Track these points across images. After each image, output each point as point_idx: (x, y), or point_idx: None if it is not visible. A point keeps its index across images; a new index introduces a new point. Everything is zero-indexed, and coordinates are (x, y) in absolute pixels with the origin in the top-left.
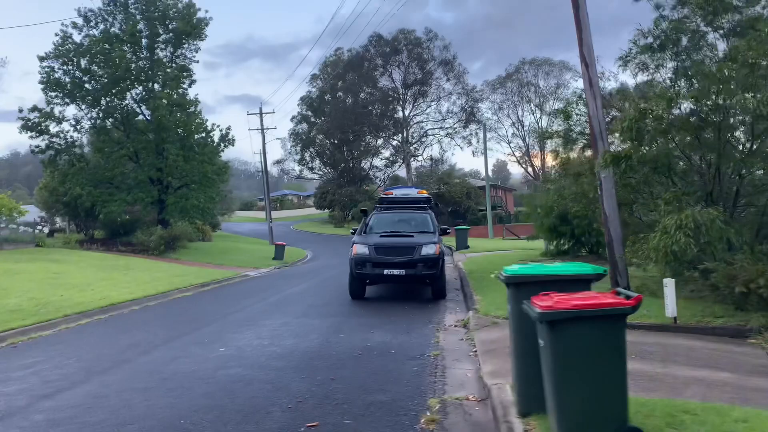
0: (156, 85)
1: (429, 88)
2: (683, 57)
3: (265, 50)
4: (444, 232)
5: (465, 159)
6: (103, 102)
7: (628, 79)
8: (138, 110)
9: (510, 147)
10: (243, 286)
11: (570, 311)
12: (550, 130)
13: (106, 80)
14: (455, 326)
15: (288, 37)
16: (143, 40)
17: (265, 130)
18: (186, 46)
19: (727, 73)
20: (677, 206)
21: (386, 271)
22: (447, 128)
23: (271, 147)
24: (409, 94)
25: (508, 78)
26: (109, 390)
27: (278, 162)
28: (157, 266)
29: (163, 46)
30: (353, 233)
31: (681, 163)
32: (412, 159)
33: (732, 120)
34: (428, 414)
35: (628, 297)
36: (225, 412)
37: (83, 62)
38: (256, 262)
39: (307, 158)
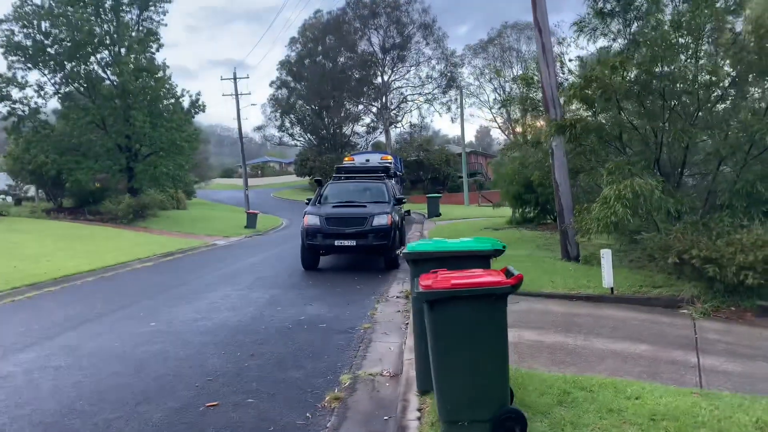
0: (123, 50)
1: (408, 53)
2: (632, 23)
3: (248, 13)
4: (399, 202)
5: (449, 126)
6: (67, 67)
7: (591, 46)
8: (104, 75)
9: (492, 113)
10: (204, 257)
11: (447, 291)
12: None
13: (69, 44)
14: (397, 297)
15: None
16: (107, 2)
17: (239, 96)
18: (153, 8)
19: (671, 40)
20: (620, 176)
21: (337, 242)
22: (426, 94)
23: (252, 113)
24: (388, 58)
25: (489, 42)
26: (19, 369)
27: (259, 128)
28: (122, 235)
29: (127, 9)
30: (308, 203)
31: (624, 132)
32: (392, 126)
33: (677, 87)
34: (335, 391)
35: (510, 275)
36: (128, 392)
37: (45, 25)
38: (228, 231)
39: (288, 125)
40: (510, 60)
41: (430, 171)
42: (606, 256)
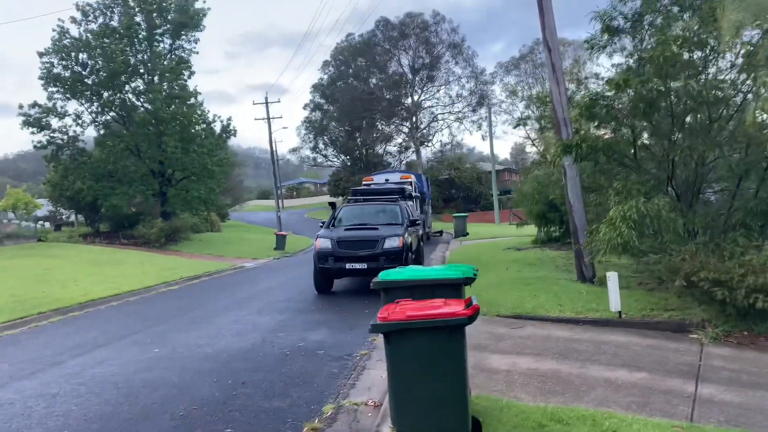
0: (156, 78)
1: (438, 73)
2: (643, 40)
3: (284, 38)
4: (414, 223)
5: (483, 143)
6: (104, 96)
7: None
8: (138, 103)
9: (525, 130)
10: (228, 280)
11: (402, 322)
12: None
13: (105, 74)
14: None
15: (307, 24)
16: (141, 33)
17: (271, 120)
18: (184, 37)
19: (673, 55)
20: (627, 196)
21: (348, 265)
22: (456, 112)
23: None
24: (417, 78)
25: (521, 59)
26: (19, 396)
27: (294, 150)
28: (153, 259)
29: (160, 39)
30: (321, 226)
31: (634, 151)
32: (423, 145)
33: (686, 104)
34: (315, 422)
35: (468, 305)
36: (114, 420)
37: (82, 57)
38: (257, 253)
39: (321, 146)
40: (542, 76)
41: (461, 189)
42: (612, 278)
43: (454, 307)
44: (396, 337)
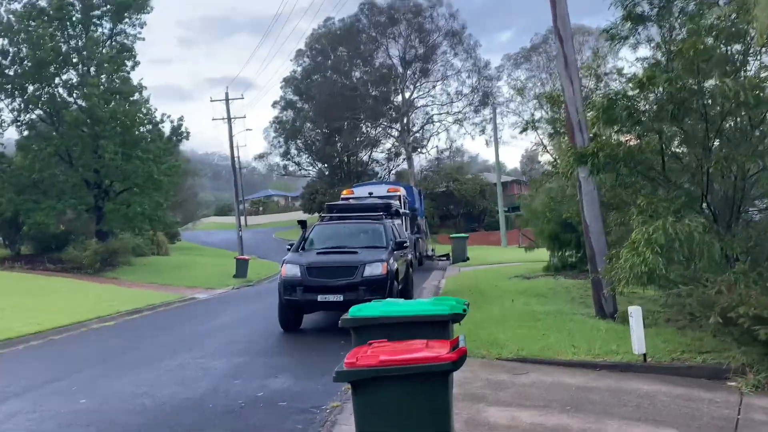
0: (92, 69)
1: (433, 66)
2: (673, 30)
3: (252, 23)
4: (401, 246)
5: (488, 150)
6: (28, 90)
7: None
8: (70, 99)
9: (537, 134)
10: (176, 314)
11: (372, 369)
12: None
13: (30, 64)
14: None
15: (278, 4)
16: (75, 15)
17: (233, 120)
18: (127, 20)
19: (706, 48)
20: (653, 215)
21: (321, 297)
22: (455, 113)
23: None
24: (409, 72)
25: (533, 51)
26: None
27: (261, 156)
28: (86, 289)
29: (98, 22)
30: (289, 249)
31: (662, 160)
32: (416, 151)
33: (723, 105)
34: None
35: (454, 347)
36: None
37: (2, 42)
38: (212, 281)
39: (294, 151)
40: (557, 71)
41: (462, 205)
42: (635, 314)
43: (436, 350)
44: (366, 387)
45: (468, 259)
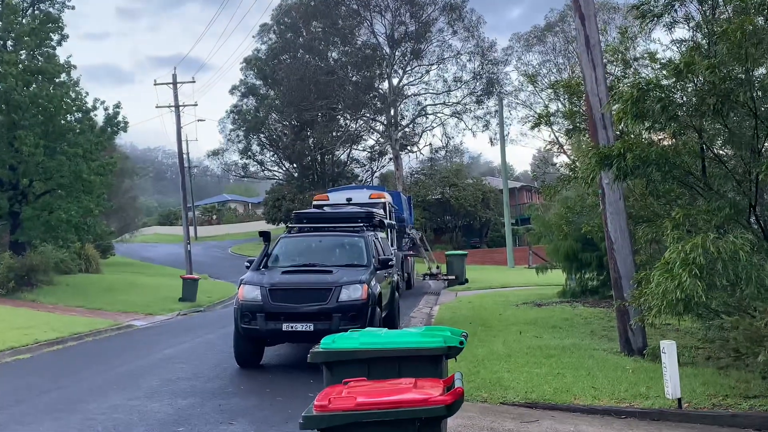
0: (9, 44)
1: (427, 46)
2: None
3: None
4: (385, 265)
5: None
6: None
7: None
8: None
9: (552, 131)
10: (107, 345)
11: (347, 414)
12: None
13: None
14: None
15: None
16: None
17: (181, 108)
18: None
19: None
20: (692, 230)
21: (286, 326)
22: (453, 104)
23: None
24: (398, 54)
25: (548, 30)
26: None
27: (215, 154)
28: None
29: None
30: (248, 266)
31: (700, 164)
32: (405, 150)
33: None
34: None
35: (449, 388)
36: None
37: None
38: (153, 305)
39: (255, 148)
40: (576, 54)
41: (460, 216)
42: (669, 350)
43: (427, 391)
44: None
45: (467, 281)
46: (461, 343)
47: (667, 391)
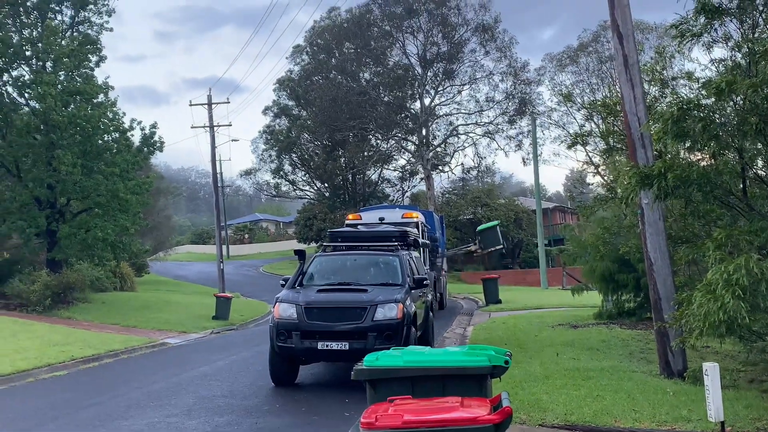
0: (49, 65)
1: (459, 66)
2: (752, 24)
3: (240, 13)
4: (420, 284)
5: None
6: None
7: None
8: (20, 100)
9: (585, 151)
10: (142, 362)
11: (395, 431)
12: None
13: None
14: None
15: None
16: (29, 0)
17: (215, 128)
18: (92, 7)
19: None
20: (734, 251)
21: (321, 345)
22: (485, 124)
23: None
24: (430, 74)
25: (581, 49)
26: None
27: (247, 173)
28: (31, 330)
29: (57, 8)
30: (283, 285)
31: (741, 184)
32: (437, 169)
33: None
34: None
35: (496, 407)
36: None
37: None
38: (187, 323)
39: (287, 168)
40: (611, 74)
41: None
42: (711, 373)
43: (474, 411)
44: None
45: (500, 301)
46: (506, 362)
47: (710, 414)
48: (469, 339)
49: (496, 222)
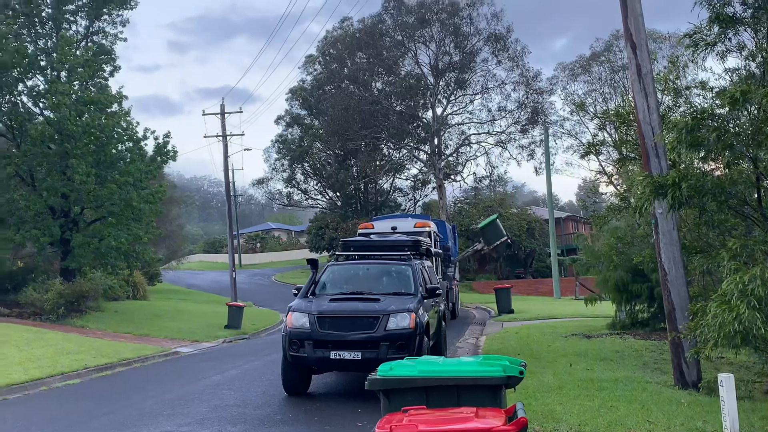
0: (63, 74)
1: (471, 75)
2: (766, 32)
3: (252, 23)
4: (432, 294)
5: (536, 179)
6: None
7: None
8: (35, 110)
9: (598, 160)
10: (155, 371)
11: None
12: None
13: None
14: None
15: (286, 3)
16: (45, 9)
17: (228, 137)
18: (107, 17)
19: None
20: (749, 261)
21: (334, 354)
22: (497, 133)
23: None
24: (442, 83)
25: (594, 59)
26: None
27: (260, 182)
28: (44, 338)
29: (72, 18)
30: (296, 294)
31: (756, 194)
32: (449, 179)
33: None
34: None
35: (511, 418)
36: None
37: None
38: (199, 332)
39: (299, 177)
40: (623, 84)
41: (505, 245)
42: (727, 384)
43: (489, 421)
44: None
45: (513, 311)
46: (521, 373)
47: (725, 426)
48: (482, 349)
49: (494, 216)
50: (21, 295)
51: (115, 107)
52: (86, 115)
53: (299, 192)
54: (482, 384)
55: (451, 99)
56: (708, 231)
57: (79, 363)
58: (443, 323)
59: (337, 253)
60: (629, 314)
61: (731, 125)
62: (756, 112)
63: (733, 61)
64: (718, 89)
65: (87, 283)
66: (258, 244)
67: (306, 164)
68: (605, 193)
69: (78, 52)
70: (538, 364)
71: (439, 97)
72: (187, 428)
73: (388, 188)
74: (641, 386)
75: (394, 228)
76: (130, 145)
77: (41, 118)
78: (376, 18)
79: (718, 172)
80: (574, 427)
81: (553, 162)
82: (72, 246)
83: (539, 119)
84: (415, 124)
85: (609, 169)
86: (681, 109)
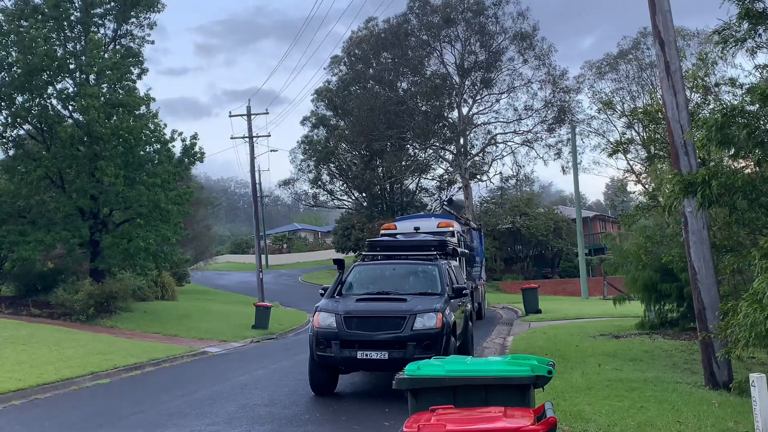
0: (92, 77)
1: (497, 75)
2: None
3: (279, 26)
4: (459, 293)
5: (564, 178)
6: (18, 100)
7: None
8: (64, 112)
9: (626, 159)
10: (184, 371)
11: None
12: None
13: (20, 71)
14: None
15: (311, 5)
16: (74, 13)
17: (254, 139)
18: (134, 20)
19: None
20: None
21: (361, 354)
22: (524, 132)
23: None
24: (467, 83)
25: (621, 57)
26: None
27: (286, 183)
28: (75, 338)
29: (100, 22)
30: (322, 294)
31: None
32: (475, 179)
33: None
34: None
35: (540, 418)
36: None
37: None
38: (227, 332)
39: (325, 177)
40: (651, 81)
41: (531, 245)
42: (758, 384)
43: (518, 421)
44: None
45: (540, 311)
46: (549, 372)
47: (757, 426)
48: (509, 349)
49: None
50: (51, 296)
51: (143, 109)
52: (114, 118)
53: (325, 192)
54: (510, 384)
55: (476, 98)
56: (738, 229)
57: (109, 363)
58: (470, 323)
59: (363, 253)
60: (658, 314)
61: (762, 122)
62: None
63: (763, 57)
64: (748, 86)
65: (116, 283)
66: (285, 245)
67: (332, 165)
68: (633, 192)
69: (106, 55)
70: (566, 364)
71: (464, 96)
72: (216, 427)
73: (414, 188)
74: (671, 387)
75: (416, 228)
76: (158, 146)
77: (70, 121)
78: (401, 18)
79: (748, 170)
80: (603, 427)
81: (580, 161)
82: (101, 247)
83: (566, 118)
84: (440, 124)
85: (637, 167)
86: (710, 106)
